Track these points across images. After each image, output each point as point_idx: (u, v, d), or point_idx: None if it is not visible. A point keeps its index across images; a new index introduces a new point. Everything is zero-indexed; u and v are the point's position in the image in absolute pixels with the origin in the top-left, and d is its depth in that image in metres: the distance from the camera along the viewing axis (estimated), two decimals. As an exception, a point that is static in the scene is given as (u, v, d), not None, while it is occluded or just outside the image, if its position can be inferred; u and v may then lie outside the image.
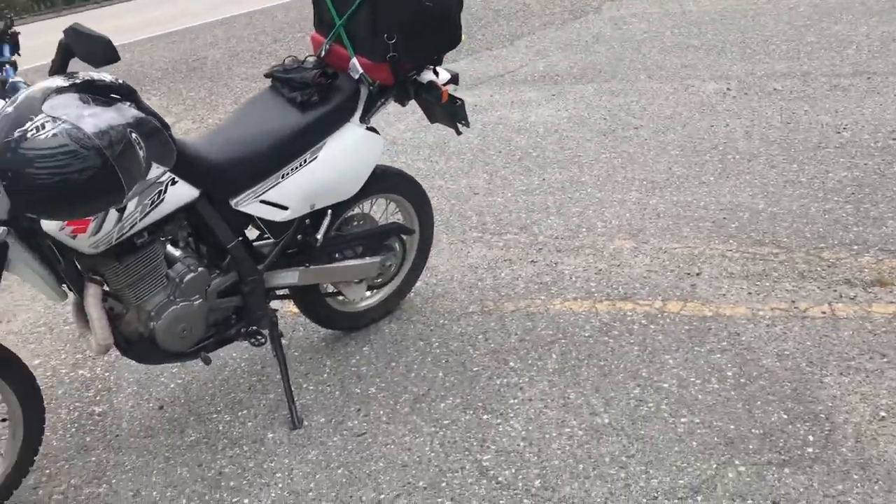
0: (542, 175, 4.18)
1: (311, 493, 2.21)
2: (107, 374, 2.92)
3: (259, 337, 2.50)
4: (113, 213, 2.01)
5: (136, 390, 2.80)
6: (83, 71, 1.78)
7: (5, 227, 1.89)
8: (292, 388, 2.53)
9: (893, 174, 3.62)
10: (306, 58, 2.54)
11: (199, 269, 2.27)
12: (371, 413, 2.50)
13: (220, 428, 2.54)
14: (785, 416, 2.23)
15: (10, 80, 1.76)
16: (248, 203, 2.35)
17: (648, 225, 3.46)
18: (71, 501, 2.30)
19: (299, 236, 2.54)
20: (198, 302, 2.29)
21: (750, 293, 2.85)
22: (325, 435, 2.43)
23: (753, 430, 2.20)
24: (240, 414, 2.59)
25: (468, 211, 3.86)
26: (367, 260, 2.76)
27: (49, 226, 1.94)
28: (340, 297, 2.86)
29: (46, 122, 1.59)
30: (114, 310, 2.22)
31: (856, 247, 3.06)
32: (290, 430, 2.47)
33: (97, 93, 1.71)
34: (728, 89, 5.07)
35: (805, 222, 3.29)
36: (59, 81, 1.69)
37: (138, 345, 2.29)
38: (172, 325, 2.25)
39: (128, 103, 1.73)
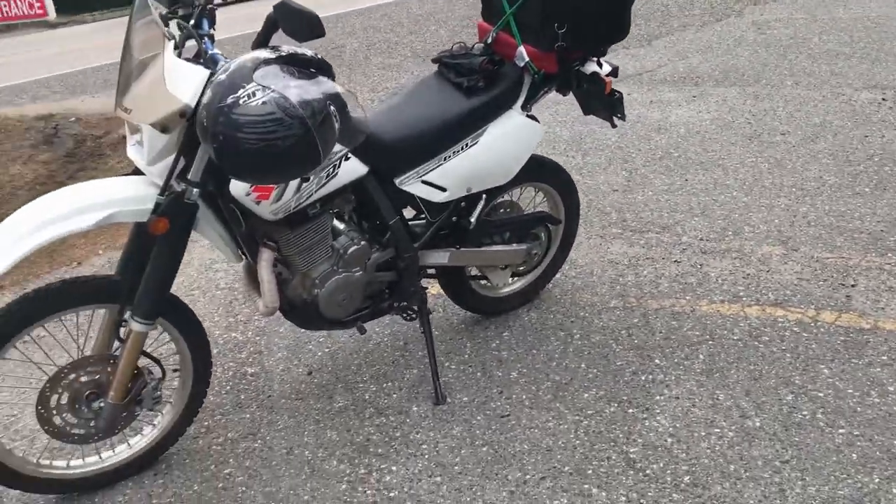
0: (685, 176, 4.11)
1: (456, 467, 2.26)
2: (258, 338, 3.06)
3: (410, 312, 2.57)
4: (293, 184, 2.12)
5: (285, 355, 2.92)
6: (285, 45, 1.88)
7: (199, 190, 2.01)
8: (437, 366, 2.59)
9: None
10: (474, 44, 2.59)
11: (362, 242, 2.36)
12: (513, 396, 2.53)
13: (367, 397, 2.62)
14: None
15: (210, 52, 1.87)
16: (410, 183, 2.42)
17: (799, 233, 3.35)
18: (229, 452, 2.42)
19: (454, 218, 2.59)
20: (358, 274, 2.38)
21: (912, 309, 2.73)
22: (469, 413, 2.48)
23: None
24: (385, 385, 2.67)
25: (607, 207, 3.84)
26: (515, 247, 2.79)
27: (237, 191, 2.06)
28: (484, 282, 2.90)
29: (257, 90, 1.69)
30: (281, 275, 2.33)
31: None
32: (434, 405, 2.53)
33: (300, 66, 1.80)
34: (883, 99, 4.85)
35: (973, 240, 3.11)
36: (267, 53, 1.79)
37: (301, 310, 2.39)
38: (334, 294, 2.34)
39: (326, 78, 1.82)
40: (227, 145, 1.68)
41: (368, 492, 2.20)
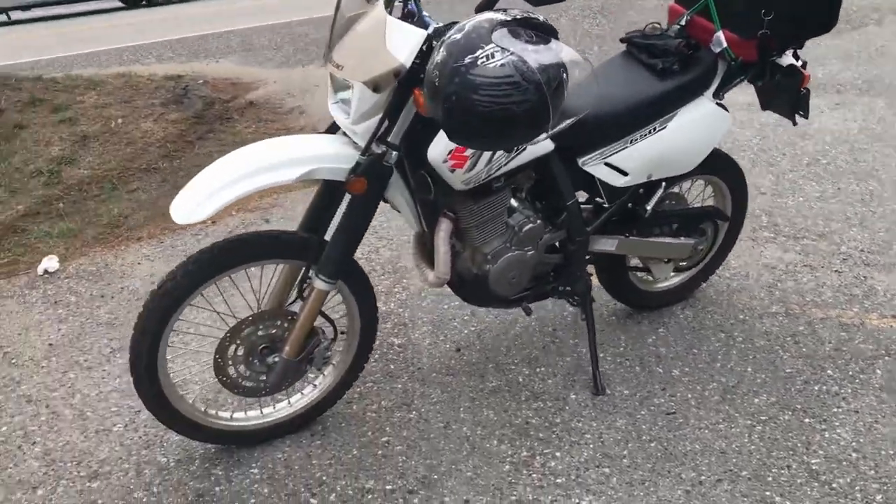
0: (837, 184, 3.93)
1: (624, 460, 2.18)
2: (401, 310, 3.03)
3: (576, 297, 2.50)
4: (486, 155, 2.06)
5: (430, 329, 2.88)
6: (515, 8, 1.82)
7: (398, 153, 1.98)
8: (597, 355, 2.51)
9: None
10: (669, 26, 2.49)
11: (538, 221, 2.29)
12: (678, 395, 2.44)
13: (520, 380, 2.57)
14: None
15: (421, 13, 1.84)
16: (593, 163, 2.34)
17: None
18: (384, 421, 2.40)
19: (629, 205, 2.51)
20: (530, 253, 2.32)
21: None
22: (632, 407, 2.39)
23: None
24: (538, 370, 2.61)
25: (756, 209, 3.69)
26: (683, 240, 2.69)
27: (434, 157, 2.01)
28: (643, 274, 2.81)
29: (496, 51, 1.64)
30: (454, 248, 2.28)
31: None
32: (593, 395, 2.46)
33: (532, 30, 1.74)
34: None
35: None
36: (502, 16, 1.73)
37: (470, 284, 2.34)
38: (505, 271, 2.29)
39: (560, 43, 1.75)
40: (459, 106, 1.63)
41: (534, 475, 2.14)
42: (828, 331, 2.70)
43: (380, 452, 2.27)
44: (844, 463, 2.11)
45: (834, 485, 2.04)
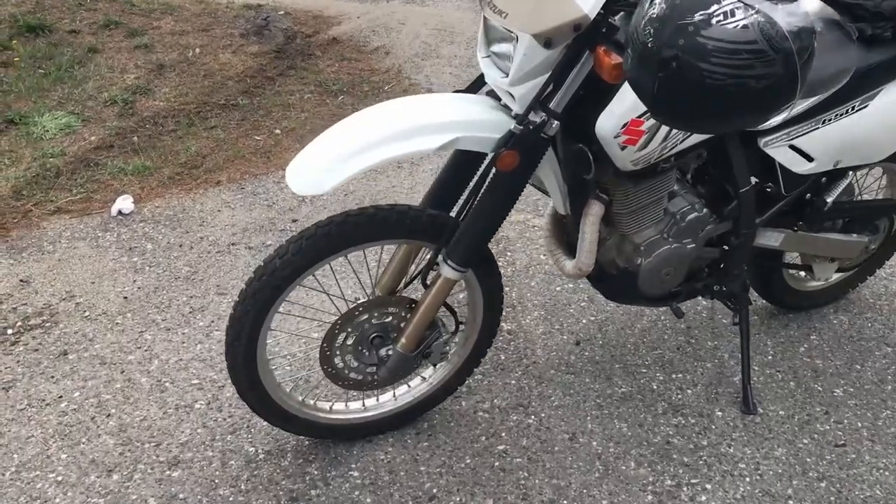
0: None
1: (790, 501, 1.83)
2: (507, 289, 2.69)
3: (733, 299, 2.13)
4: (663, 130, 1.69)
5: (542, 315, 2.55)
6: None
7: (560, 123, 1.61)
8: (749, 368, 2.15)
9: None
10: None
11: (703, 209, 1.92)
12: (845, 421, 2.08)
13: (654, 387, 2.22)
14: None
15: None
16: (776, 145, 1.95)
17: None
18: (499, 424, 2.10)
19: (808, 195, 2.11)
20: (689, 246, 1.96)
21: None
22: (791, 432, 2.04)
23: None
24: (674, 377, 2.26)
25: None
26: (855, 237, 2.29)
27: (605, 131, 1.66)
28: (798, 273, 2.42)
29: (736, 8, 1.25)
30: (600, 235, 1.93)
31: None
32: (743, 414, 2.11)
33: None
34: None
35: None
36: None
37: (614, 278, 2.00)
38: (659, 266, 1.94)
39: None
40: (679, 76, 1.26)
41: (684, 510, 1.81)
42: None
43: (497, 464, 1.97)
44: None
45: None
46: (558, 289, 2.67)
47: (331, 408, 2.01)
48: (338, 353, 1.83)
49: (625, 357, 2.35)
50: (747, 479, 1.91)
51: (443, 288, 1.79)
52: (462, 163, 1.80)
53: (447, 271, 1.75)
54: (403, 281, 1.92)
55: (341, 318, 1.79)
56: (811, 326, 2.47)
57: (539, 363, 2.33)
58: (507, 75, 1.61)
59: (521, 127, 1.59)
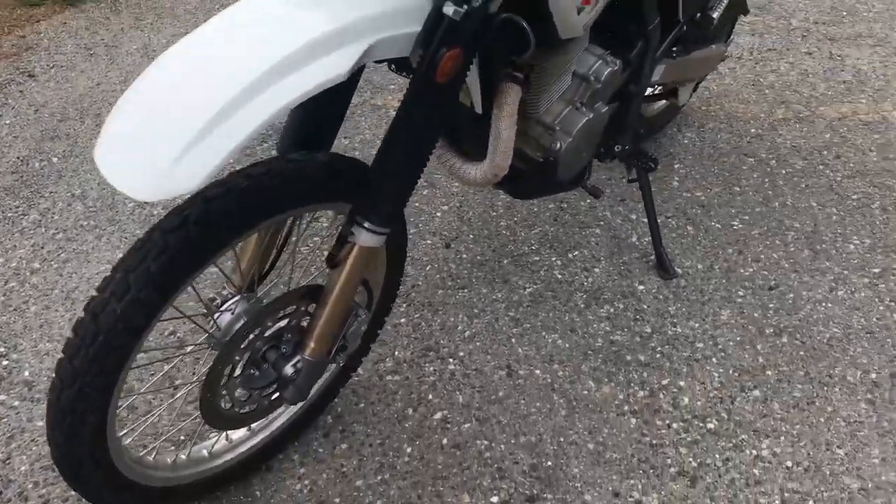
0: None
1: (768, 372, 1.64)
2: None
3: (640, 158, 1.80)
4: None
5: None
6: None
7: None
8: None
9: None
10: None
11: (617, 61, 1.52)
12: (761, 257, 1.91)
13: (559, 276, 1.88)
14: None
15: None
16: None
17: (926, 10, 2.83)
18: (418, 384, 1.64)
19: (697, 15, 1.78)
20: (604, 110, 1.56)
21: None
22: (722, 287, 1.83)
23: None
24: (571, 257, 1.94)
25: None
26: (715, 47, 2.04)
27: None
28: (654, 104, 2.16)
29: None
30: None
31: None
32: (664, 280, 1.85)
33: None
34: None
35: None
36: None
37: (529, 174, 1.56)
38: (580, 142, 1.53)
39: None
40: None
41: (674, 426, 1.54)
42: (858, 135, 2.27)
43: (445, 441, 1.55)
44: None
45: None
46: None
47: (210, 452, 1.40)
48: (226, 394, 1.22)
49: (507, 247, 1.96)
50: (714, 361, 1.67)
51: (359, 261, 1.23)
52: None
53: (365, 238, 1.19)
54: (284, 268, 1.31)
55: (221, 347, 1.17)
56: (668, 154, 2.25)
57: (419, 285, 1.86)
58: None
59: (463, 7, 1.02)
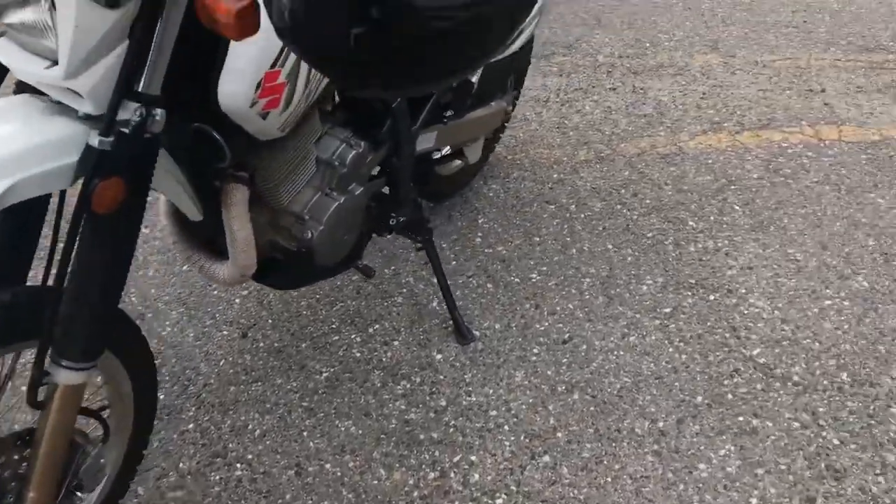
0: (548, -21, 3.46)
1: (559, 434, 1.63)
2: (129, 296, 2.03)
3: (416, 228, 1.78)
4: (303, 72, 1.19)
5: (184, 313, 1.99)
6: None
7: (163, 110, 1.02)
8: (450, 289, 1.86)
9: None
10: None
11: (362, 143, 1.50)
12: (558, 309, 1.91)
13: (358, 355, 1.84)
14: None
15: None
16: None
17: (722, 34, 2.94)
18: (202, 499, 1.56)
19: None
20: (359, 191, 1.54)
21: (901, 109, 2.47)
22: (518, 347, 1.82)
23: None
24: (371, 331, 1.90)
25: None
26: (495, 104, 2.05)
27: (233, 100, 1.10)
28: (449, 163, 2.15)
29: None
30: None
31: (976, 47, 2.74)
32: (462, 346, 1.83)
33: None
34: None
35: (899, 21, 2.92)
36: None
37: (285, 265, 1.52)
38: (335, 229, 1.50)
39: None
40: (390, 27, 0.75)
41: (465, 491, 1.50)
42: (655, 169, 2.31)
43: (229, 560, 1.45)
44: (785, 343, 1.77)
45: (794, 378, 1.69)
46: (186, 269, 2.08)
47: None
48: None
49: (306, 329, 1.90)
50: (506, 428, 1.64)
51: (68, 399, 1.15)
52: (22, 208, 1.10)
53: (66, 376, 1.11)
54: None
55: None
56: (473, 209, 2.23)
57: (211, 384, 1.78)
58: (53, 62, 0.94)
59: (111, 137, 0.96)
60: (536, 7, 1.59)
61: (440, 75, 0.89)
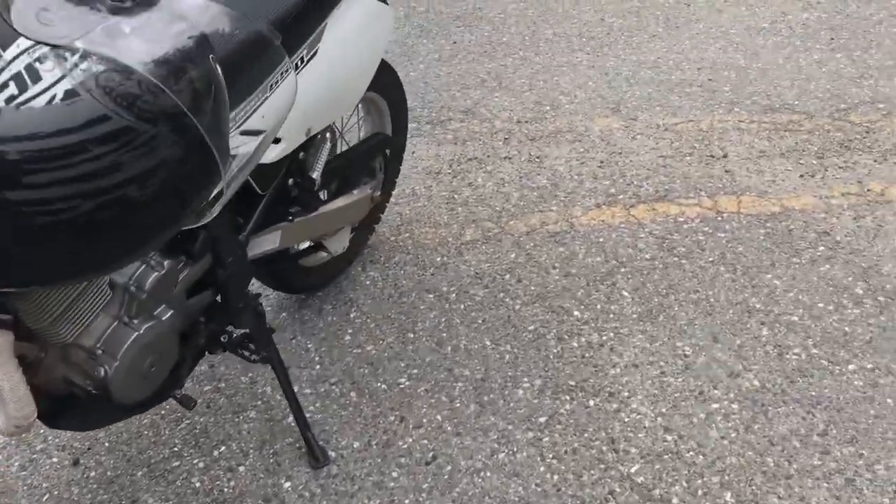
0: (449, 36, 3.34)
1: (410, 580, 1.44)
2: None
3: (254, 339, 1.59)
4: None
5: (11, 438, 1.76)
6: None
7: None
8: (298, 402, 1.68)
9: (854, 12, 3.24)
10: None
11: (165, 262, 1.31)
12: (424, 422, 1.73)
13: (197, 484, 1.64)
14: (967, 344, 1.78)
15: None
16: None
17: (625, 95, 2.81)
18: None
19: (290, 180, 1.61)
20: (167, 315, 1.35)
21: (802, 176, 2.36)
22: (376, 470, 1.63)
23: (947, 371, 1.73)
24: (217, 454, 1.70)
25: (382, 92, 2.96)
26: (358, 193, 1.88)
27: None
28: (315, 254, 1.97)
29: (47, 65, 0.59)
30: (27, 358, 1.23)
31: (881, 105, 2.65)
32: (315, 471, 1.64)
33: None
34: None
35: (805, 79, 2.82)
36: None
37: (80, 406, 1.32)
38: (138, 361, 1.31)
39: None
40: None
41: None
42: (545, 250, 2.15)
43: None
44: (667, 458, 1.61)
45: (674, 501, 1.52)
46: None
47: None
48: None
49: (145, 454, 1.69)
50: (353, 574, 1.44)
51: None
52: None
53: None
54: None
55: None
56: (346, 300, 2.05)
57: (28, 526, 1.56)
58: None
59: None
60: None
61: (77, 267, 0.71)
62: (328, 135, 1.65)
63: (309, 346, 1.94)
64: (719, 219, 2.20)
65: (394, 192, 2.27)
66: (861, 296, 1.92)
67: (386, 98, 2.02)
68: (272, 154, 1.47)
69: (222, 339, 1.56)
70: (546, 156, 2.54)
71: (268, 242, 1.65)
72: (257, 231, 1.59)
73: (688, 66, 2.94)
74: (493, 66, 3.07)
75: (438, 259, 2.16)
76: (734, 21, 3.26)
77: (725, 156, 2.46)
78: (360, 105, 1.98)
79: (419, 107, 2.86)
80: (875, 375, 1.72)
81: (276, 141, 1.47)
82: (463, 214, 2.32)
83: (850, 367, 1.74)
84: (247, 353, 1.58)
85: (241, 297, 1.56)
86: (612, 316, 1.93)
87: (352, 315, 2.02)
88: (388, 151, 2.00)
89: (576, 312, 1.95)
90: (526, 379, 1.80)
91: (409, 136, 2.61)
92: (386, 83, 2.00)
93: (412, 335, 1.94)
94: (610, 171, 2.43)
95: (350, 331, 1.97)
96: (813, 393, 1.69)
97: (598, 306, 1.96)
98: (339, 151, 1.91)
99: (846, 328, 1.84)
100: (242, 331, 1.59)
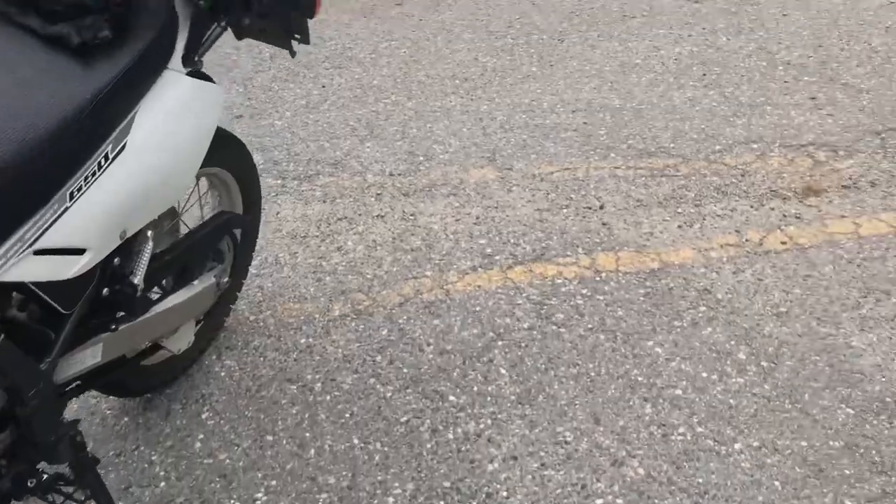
0: (316, 79, 3.17)
1: None
2: None
3: (61, 483, 1.37)
4: None
5: None
6: None
7: None
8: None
9: (724, 45, 3.24)
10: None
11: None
12: (284, 544, 1.53)
13: None
14: (851, 411, 1.72)
15: None
16: (12, 265, 1.15)
17: (500, 143, 2.70)
18: None
19: (105, 290, 1.39)
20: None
21: (680, 226, 2.29)
22: None
23: (832, 443, 1.66)
24: None
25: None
26: (200, 284, 1.68)
27: None
28: (156, 352, 1.75)
29: None
30: None
31: (754, 145, 2.62)
32: None
33: None
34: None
35: (680, 119, 2.78)
36: None
37: None
38: None
39: None
40: None
41: None
42: (417, 324, 2.00)
43: None
44: (548, 566, 1.45)
45: None
46: None
47: None
48: None
49: None
50: None
51: None
52: None
53: None
54: None
55: None
56: (198, 397, 1.84)
57: None
58: None
59: None
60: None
61: None
62: (149, 232, 1.44)
63: (153, 457, 1.71)
64: (598, 279, 2.10)
65: (254, 262, 2.07)
66: (744, 361, 1.85)
67: (232, 173, 1.82)
68: (76, 267, 1.25)
69: (30, 484, 1.32)
70: (420, 212, 2.39)
71: (87, 358, 1.43)
72: (70, 349, 1.36)
73: (562, 108, 2.85)
74: (363, 112, 2.90)
75: (303, 341, 1.97)
76: (607, 58, 3.20)
77: (602, 207, 2.37)
78: (200, 183, 1.78)
79: (285, 160, 2.66)
80: (762, 455, 1.63)
81: (81, 252, 1.26)
82: (331, 285, 2.14)
83: (737, 445, 1.65)
84: (61, 499, 1.35)
85: (52, 430, 1.33)
86: (489, 399, 1.78)
87: (204, 416, 1.81)
88: (237, 232, 1.79)
89: (451, 397, 1.80)
90: (397, 484, 1.63)
91: (274, 193, 2.43)
92: (230, 157, 1.80)
93: (271, 437, 1.74)
94: (486, 229, 2.29)
95: (201, 436, 1.76)
96: (700, 480, 1.59)
97: (475, 388, 1.81)
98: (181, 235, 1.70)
99: (731, 400, 1.75)
100: (56, 468, 1.36)
